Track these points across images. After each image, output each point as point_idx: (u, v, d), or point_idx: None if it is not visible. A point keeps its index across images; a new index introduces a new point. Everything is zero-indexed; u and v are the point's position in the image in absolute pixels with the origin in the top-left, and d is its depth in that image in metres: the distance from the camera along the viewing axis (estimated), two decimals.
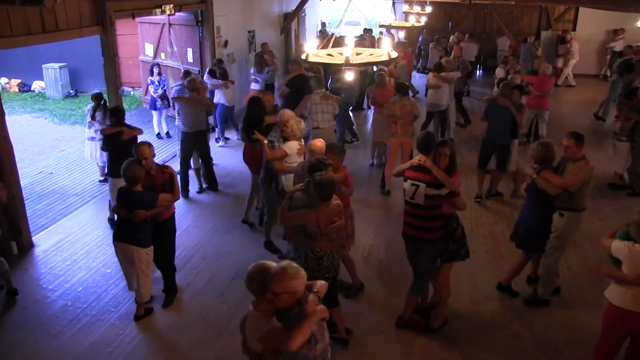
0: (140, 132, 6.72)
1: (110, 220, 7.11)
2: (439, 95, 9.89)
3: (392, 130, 7.91)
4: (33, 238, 6.74)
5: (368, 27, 15.00)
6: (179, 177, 7.38)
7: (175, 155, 9.14)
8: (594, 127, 11.96)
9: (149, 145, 5.12)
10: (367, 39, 13.70)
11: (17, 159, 6.43)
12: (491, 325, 5.24)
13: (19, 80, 15.01)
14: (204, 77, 9.88)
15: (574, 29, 17.57)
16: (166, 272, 5.55)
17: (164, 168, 5.26)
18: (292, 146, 5.90)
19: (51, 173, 9.13)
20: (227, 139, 10.65)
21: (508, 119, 7.61)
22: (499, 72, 11.09)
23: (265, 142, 5.96)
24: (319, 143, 5.41)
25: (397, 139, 7.90)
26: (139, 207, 4.85)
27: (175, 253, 6.45)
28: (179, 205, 7.72)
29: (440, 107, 9.99)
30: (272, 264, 3.13)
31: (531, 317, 5.34)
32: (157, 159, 9.62)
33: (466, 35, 15.71)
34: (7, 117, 6.25)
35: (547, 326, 5.21)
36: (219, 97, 9.94)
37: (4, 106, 6.22)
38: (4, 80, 14.46)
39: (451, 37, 16.48)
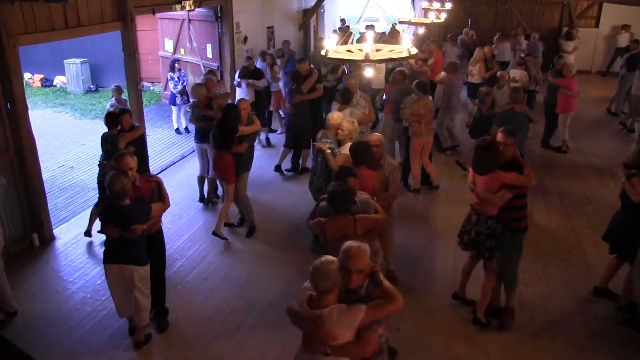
0: (140, 132, 6.68)
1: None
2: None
3: (415, 129, 7.74)
4: (54, 231, 6.85)
5: (370, 24, 14.88)
6: None
7: (194, 151, 9.16)
8: (608, 121, 12.05)
9: (131, 154, 4.74)
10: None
11: (39, 153, 6.53)
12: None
13: (42, 76, 15.22)
14: (235, 77, 9.82)
15: (596, 26, 17.27)
16: (158, 287, 5.08)
17: (148, 177, 4.91)
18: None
19: (72, 167, 9.24)
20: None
21: (525, 125, 7.41)
22: (517, 73, 10.34)
23: (327, 150, 5.69)
24: (375, 137, 5.40)
25: (421, 138, 7.79)
26: (134, 222, 4.43)
27: (193, 247, 6.57)
28: (196, 202, 7.81)
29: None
30: (324, 257, 3.16)
31: (548, 317, 5.28)
32: (176, 154, 9.79)
33: (497, 34, 14.91)
34: (29, 112, 6.34)
35: (568, 328, 5.16)
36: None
37: (27, 101, 6.32)
38: (28, 75, 14.67)
39: (466, 30, 15.59)
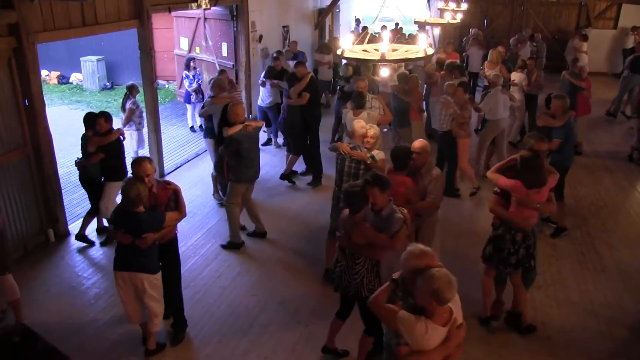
0: (118, 134, 6.48)
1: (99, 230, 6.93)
2: None
3: (467, 130, 7.79)
4: (69, 226, 6.91)
5: (383, 25, 14.82)
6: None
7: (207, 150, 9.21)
8: (621, 123, 12.04)
9: (150, 160, 4.57)
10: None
11: (55, 149, 6.58)
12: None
13: (58, 73, 15.38)
14: (260, 76, 9.64)
15: (615, 27, 17.08)
16: (174, 302, 4.98)
17: (165, 184, 4.70)
18: (383, 156, 5.60)
19: None
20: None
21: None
22: (516, 76, 9.92)
23: (369, 160, 5.40)
24: (418, 143, 5.29)
25: (469, 138, 7.90)
26: (146, 230, 4.30)
27: (207, 245, 6.59)
28: (210, 200, 7.84)
29: None
30: (433, 270, 2.97)
31: (562, 321, 5.24)
32: (191, 152, 9.84)
33: (517, 34, 14.56)
34: (46, 109, 6.40)
35: (582, 333, 5.11)
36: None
37: (44, 98, 6.38)
38: (45, 72, 14.82)
39: (475, 31, 14.84)
